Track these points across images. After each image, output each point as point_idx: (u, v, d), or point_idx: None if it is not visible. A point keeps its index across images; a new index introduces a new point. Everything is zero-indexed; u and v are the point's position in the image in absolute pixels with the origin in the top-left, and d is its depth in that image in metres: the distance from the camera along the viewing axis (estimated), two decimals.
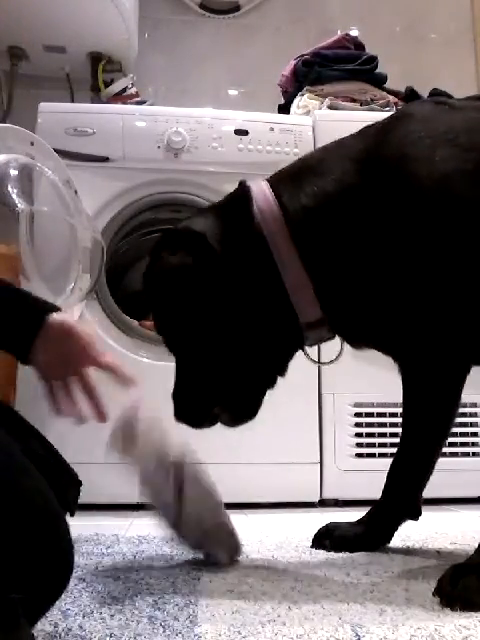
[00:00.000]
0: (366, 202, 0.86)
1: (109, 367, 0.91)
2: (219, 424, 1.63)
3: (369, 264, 0.86)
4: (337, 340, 1.00)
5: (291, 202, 0.89)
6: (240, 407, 0.99)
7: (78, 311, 1.65)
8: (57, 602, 0.79)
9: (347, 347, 1.02)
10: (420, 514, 1.17)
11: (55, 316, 0.89)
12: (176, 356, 1.00)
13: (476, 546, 0.86)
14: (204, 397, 0.98)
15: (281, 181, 0.94)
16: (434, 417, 1.13)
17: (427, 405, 1.13)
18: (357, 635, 0.69)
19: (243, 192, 0.94)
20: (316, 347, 1.07)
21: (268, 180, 0.96)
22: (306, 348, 0.99)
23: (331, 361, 1.04)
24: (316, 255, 0.88)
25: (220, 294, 0.90)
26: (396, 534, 1.18)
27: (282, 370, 0.99)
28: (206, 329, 0.92)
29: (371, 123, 0.96)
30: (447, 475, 1.71)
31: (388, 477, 1.17)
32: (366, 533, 1.16)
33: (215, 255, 0.89)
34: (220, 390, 0.97)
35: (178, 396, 1.00)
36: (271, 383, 0.99)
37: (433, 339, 0.94)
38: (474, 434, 1.80)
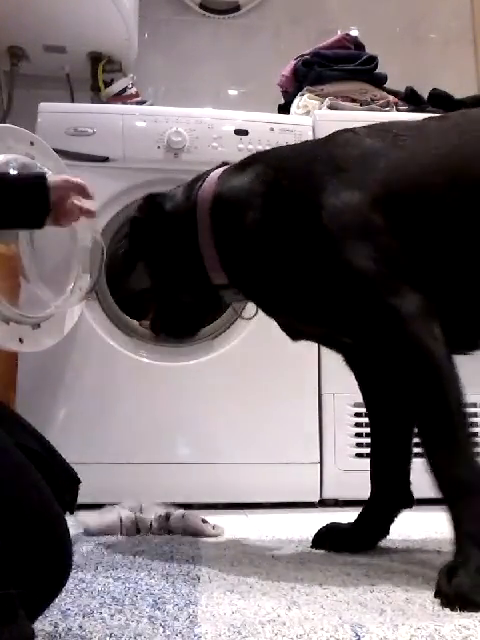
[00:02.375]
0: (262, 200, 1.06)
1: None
2: (219, 425, 1.63)
3: (258, 245, 1.06)
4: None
5: (221, 189, 1.13)
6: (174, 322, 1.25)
7: (78, 311, 1.65)
8: (57, 602, 0.79)
9: None
10: (413, 502, 1.17)
11: (50, 178, 1.08)
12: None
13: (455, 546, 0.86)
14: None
15: (226, 171, 1.17)
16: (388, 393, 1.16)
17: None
18: (357, 635, 0.69)
19: (203, 175, 1.20)
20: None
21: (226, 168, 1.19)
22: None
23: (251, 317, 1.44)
24: (222, 234, 1.10)
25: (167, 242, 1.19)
26: (396, 534, 1.18)
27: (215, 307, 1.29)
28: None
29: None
30: None
31: (371, 468, 1.18)
32: (364, 530, 1.16)
33: (163, 212, 1.20)
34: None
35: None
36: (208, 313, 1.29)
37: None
38: (474, 434, 1.80)
